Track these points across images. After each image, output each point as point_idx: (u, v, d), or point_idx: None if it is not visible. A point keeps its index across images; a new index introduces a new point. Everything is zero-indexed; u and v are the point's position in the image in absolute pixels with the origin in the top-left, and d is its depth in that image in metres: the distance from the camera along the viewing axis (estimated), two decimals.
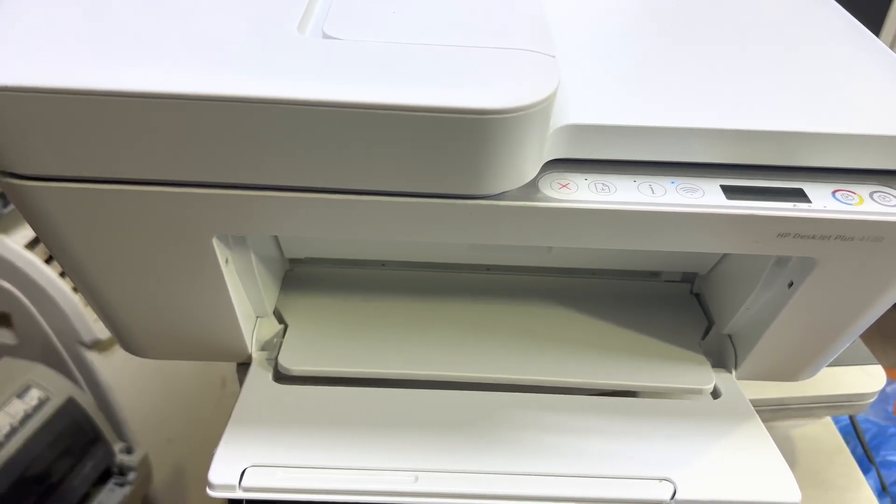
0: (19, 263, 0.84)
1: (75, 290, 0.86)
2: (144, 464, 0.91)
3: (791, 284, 0.41)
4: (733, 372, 0.48)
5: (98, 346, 0.90)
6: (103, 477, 0.88)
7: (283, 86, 0.30)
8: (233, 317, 0.43)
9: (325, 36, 0.34)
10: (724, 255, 0.50)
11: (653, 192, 0.36)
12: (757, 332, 0.45)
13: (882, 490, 0.87)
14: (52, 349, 0.89)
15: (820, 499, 0.57)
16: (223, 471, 0.39)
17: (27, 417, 0.78)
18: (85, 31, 0.32)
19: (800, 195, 0.36)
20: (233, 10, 0.35)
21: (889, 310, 0.42)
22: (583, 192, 0.36)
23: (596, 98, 0.36)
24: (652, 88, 0.38)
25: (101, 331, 0.88)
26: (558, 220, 0.36)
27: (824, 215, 0.35)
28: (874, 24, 1.37)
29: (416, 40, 0.34)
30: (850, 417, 0.82)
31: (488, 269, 0.54)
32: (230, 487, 0.38)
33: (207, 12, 0.35)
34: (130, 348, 0.46)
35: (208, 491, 0.39)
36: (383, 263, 0.54)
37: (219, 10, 0.35)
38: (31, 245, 0.86)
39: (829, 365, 0.48)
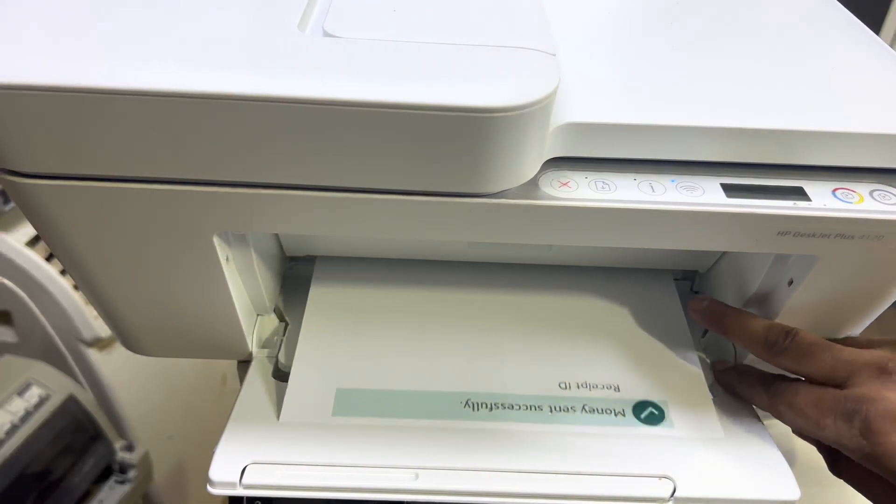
0: (20, 261, 0.84)
1: (76, 287, 0.86)
2: (145, 461, 0.91)
3: (791, 282, 0.41)
4: None
5: (98, 343, 0.90)
6: (104, 474, 0.88)
7: (284, 84, 0.30)
8: (233, 314, 0.43)
9: (326, 34, 0.34)
10: (724, 253, 0.50)
11: (653, 191, 0.36)
12: None
13: None
14: (52, 347, 0.89)
15: (819, 496, 0.57)
16: (224, 468, 0.39)
17: (28, 415, 0.79)
18: (84, 28, 0.32)
19: (800, 193, 0.36)
20: (233, 8, 0.35)
21: (889, 308, 0.42)
22: (583, 190, 0.36)
23: (596, 96, 0.36)
24: (652, 87, 0.38)
25: (102, 328, 0.88)
26: (558, 219, 0.36)
27: (824, 213, 0.35)
28: (874, 22, 1.37)
29: (416, 38, 0.34)
30: None
31: (489, 266, 0.54)
32: (231, 485, 0.39)
33: (207, 10, 0.35)
34: (131, 346, 0.46)
35: (209, 488, 0.39)
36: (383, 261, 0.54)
37: (219, 7, 0.35)
38: (32, 243, 0.86)
39: None
